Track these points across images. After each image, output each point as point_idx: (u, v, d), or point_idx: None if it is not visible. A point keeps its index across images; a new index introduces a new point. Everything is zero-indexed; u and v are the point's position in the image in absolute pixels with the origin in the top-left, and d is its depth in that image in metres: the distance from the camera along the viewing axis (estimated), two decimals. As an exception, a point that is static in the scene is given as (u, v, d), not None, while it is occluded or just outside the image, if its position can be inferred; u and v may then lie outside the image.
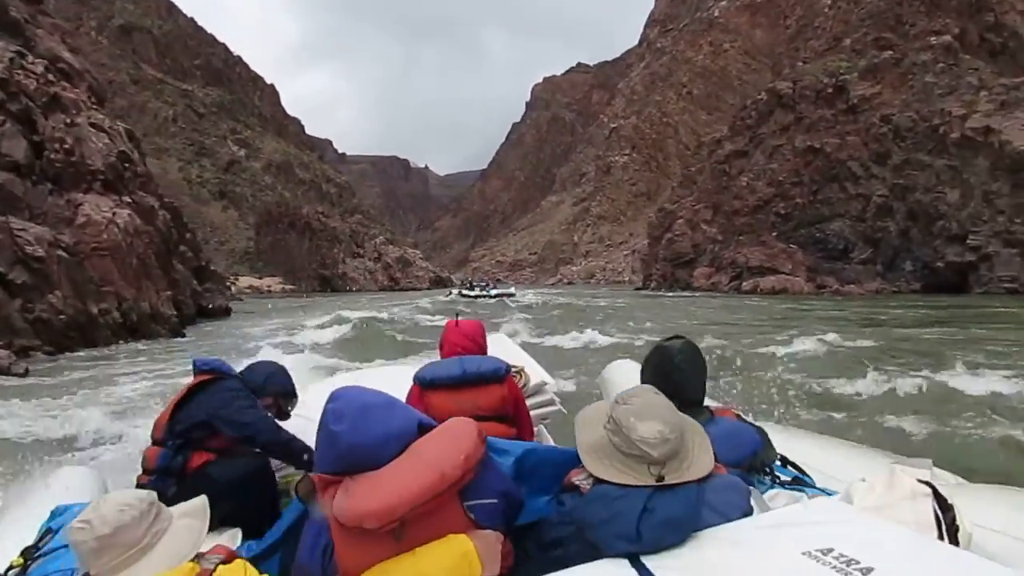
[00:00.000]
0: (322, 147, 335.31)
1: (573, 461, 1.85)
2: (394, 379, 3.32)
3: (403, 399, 2.41)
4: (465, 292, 66.32)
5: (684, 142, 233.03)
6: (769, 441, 2.40)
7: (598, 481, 1.71)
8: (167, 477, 2.79)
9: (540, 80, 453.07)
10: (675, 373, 2.24)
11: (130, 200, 22.47)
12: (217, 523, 1.90)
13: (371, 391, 1.74)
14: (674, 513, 1.59)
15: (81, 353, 17.66)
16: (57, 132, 21.06)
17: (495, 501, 1.73)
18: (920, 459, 1.99)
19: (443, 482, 1.57)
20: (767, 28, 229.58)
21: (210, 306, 29.42)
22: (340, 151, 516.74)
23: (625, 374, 4.69)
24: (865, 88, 59.03)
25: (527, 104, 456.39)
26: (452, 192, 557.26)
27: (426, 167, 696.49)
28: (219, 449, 2.91)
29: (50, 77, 22.54)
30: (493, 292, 64.94)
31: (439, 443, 1.66)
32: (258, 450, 3.00)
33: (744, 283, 58.26)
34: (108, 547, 1.48)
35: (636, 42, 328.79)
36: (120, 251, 20.44)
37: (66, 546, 2.14)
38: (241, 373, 3.16)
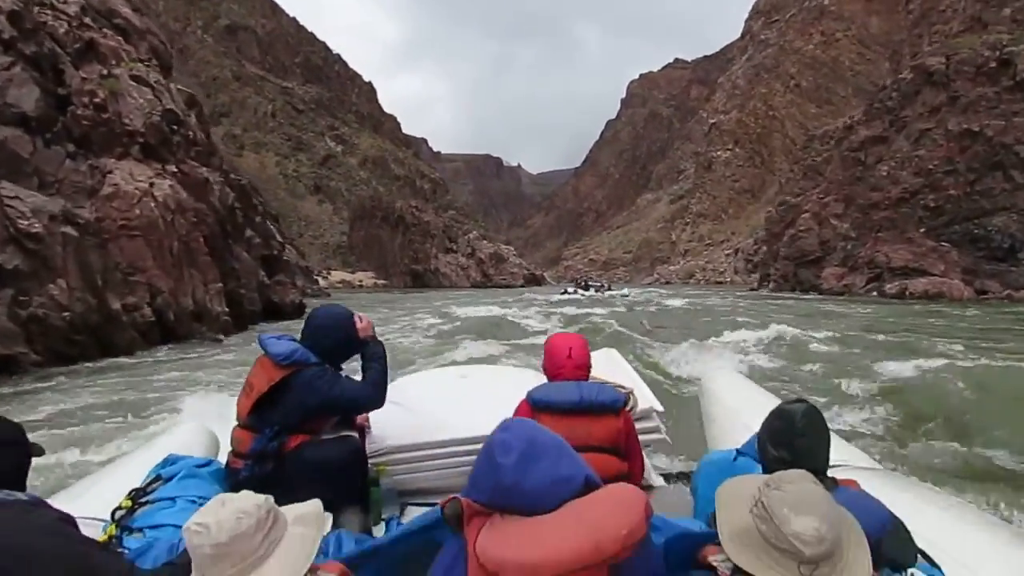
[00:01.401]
0: (417, 145, 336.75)
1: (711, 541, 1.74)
2: (501, 380, 3.63)
3: (510, 400, 2.73)
4: (579, 291, 63.73)
5: (791, 136, 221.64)
6: (907, 535, 2.05)
7: (738, 570, 1.57)
8: (263, 462, 2.77)
9: (636, 77, 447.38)
10: (798, 440, 2.10)
11: (176, 170, 18.27)
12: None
13: (542, 429, 1.66)
14: None
15: (91, 365, 13.35)
16: (88, 84, 17.00)
17: None
18: None
19: (598, 554, 1.47)
20: (884, 15, 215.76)
21: (279, 301, 25.11)
22: (435, 149, 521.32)
23: (728, 385, 4.42)
24: (1038, 60, 50.42)
25: (622, 101, 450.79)
26: (544, 190, 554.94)
27: (519, 165, 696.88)
28: (314, 430, 2.94)
29: (87, 21, 18.57)
30: (607, 292, 62.71)
31: (604, 509, 1.54)
32: (348, 432, 3.07)
33: (887, 285, 50.64)
34: (224, 555, 1.45)
35: (736, 36, 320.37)
36: (156, 231, 16.22)
37: (172, 499, 2.31)
38: (305, 335, 3.03)
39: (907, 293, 47.99)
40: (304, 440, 2.87)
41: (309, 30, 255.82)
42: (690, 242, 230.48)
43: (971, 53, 54.76)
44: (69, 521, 1.81)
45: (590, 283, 69.83)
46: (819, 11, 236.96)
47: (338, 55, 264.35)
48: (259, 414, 2.85)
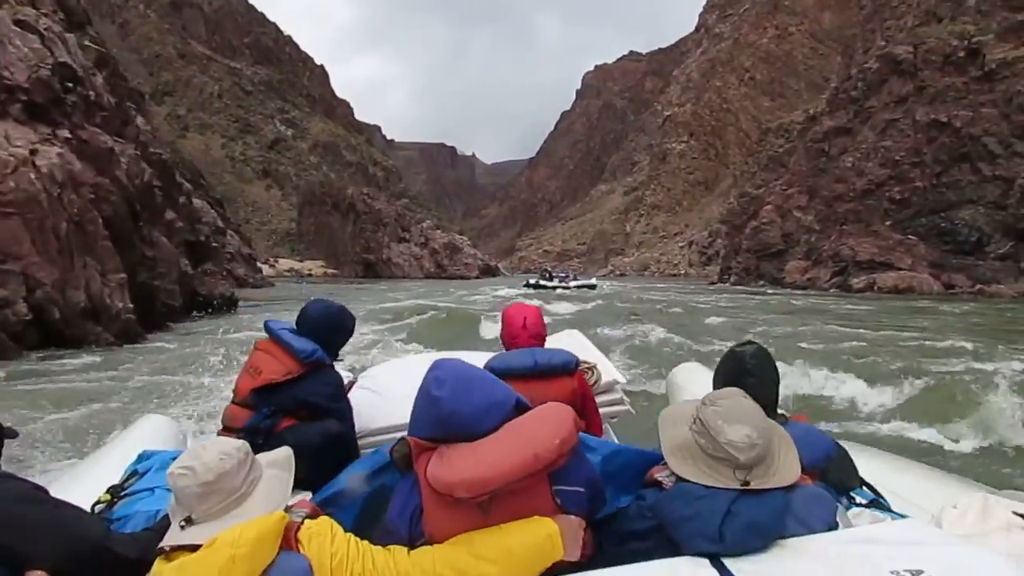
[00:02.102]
0: (370, 132, 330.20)
1: (657, 464, 1.89)
2: (471, 362, 3.22)
3: None
4: (542, 283, 60.37)
5: (745, 129, 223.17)
6: (852, 464, 2.46)
7: (681, 480, 1.72)
8: (255, 436, 2.82)
9: (591, 68, 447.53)
10: (747, 378, 2.20)
11: (71, 136, 15.06)
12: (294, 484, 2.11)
13: (471, 365, 1.82)
14: (759, 518, 1.59)
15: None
16: (-48, 28, 13.76)
17: (582, 490, 1.76)
18: (1017, 491, 1.96)
19: (536, 463, 1.61)
20: (836, 10, 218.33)
21: (207, 294, 21.91)
22: (389, 137, 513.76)
23: (693, 377, 4.58)
24: (1006, 50, 49.37)
25: (577, 92, 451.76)
26: (499, 180, 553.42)
27: (473, 155, 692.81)
28: (302, 416, 3.03)
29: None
30: (573, 283, 59.63)
31: (536, 424, 1.70)
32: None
33: (854, 280, 49.30)
34: (211, 493, 1.56)
35: (691, 29, 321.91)
36: (37, 208, 13.07)
37: (150, 489, 2.39)
38: (308, 328, 3.12)
39: (875, 287, 46.67)
40: (292, 423, 2.97)
41: (259, 10, 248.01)
42: (644, 234, 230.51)
43: (939, 42, 53.72)
44: (42, 490, 1.88)
45: (554, 274, 66.88)
46: (773, 5, 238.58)
47: (289, 36, 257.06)
48: (260, 394, 2.95)
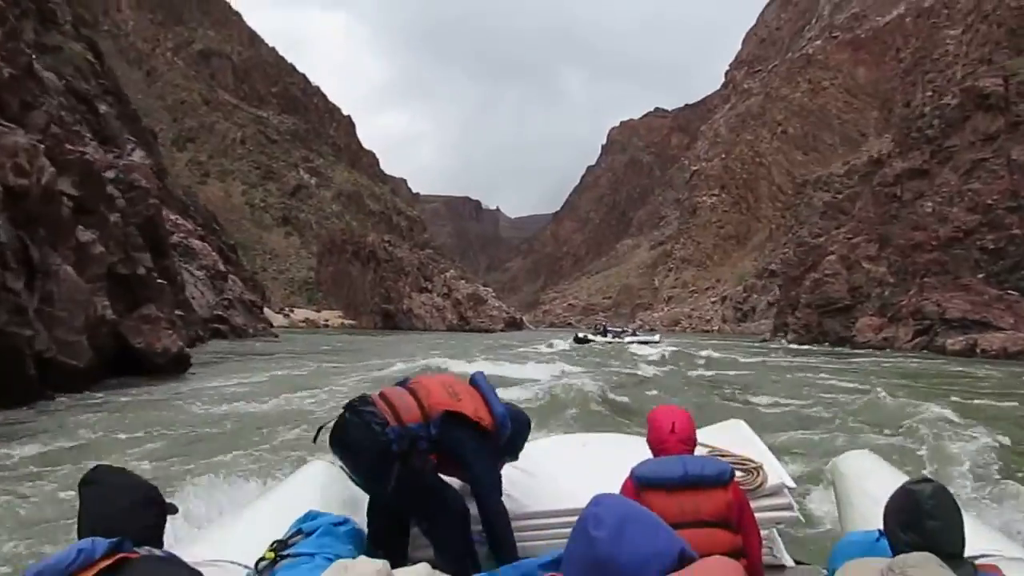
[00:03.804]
0: (396, 184, 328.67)
1: None
2: (619, 449, 3.68)
3: (625, 469, 2.70)
4: (591, 337, 56.50)
5: (778, 183, 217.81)
6: None
7: None
8: (402, 442, 2.84)
9: (617, 124, 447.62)
10: (927, 521, 1.95)
11: None
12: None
13: (634, 503, 1.71)
14: None
15: None
16: None
17: None
18: None
19: None
20: (871, 65, 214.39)
21: (144, 348, 15.64)
22: (414, 191, 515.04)
23: (864, 470, 4.05)
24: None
25: (603, 147, 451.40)
26: (523, 234, 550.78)
27: (497, 208, 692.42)
28: (455, 464, 3.08)
29: None
30: (628, 339, 55.46)
31: None
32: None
33: (949, 341, 42.19)
34: None
35: (716, 87, 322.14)
36: None
37: (311, 555, 2.48)
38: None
39: (979, 351, 39.48)
40: (444, 463, 3.00)
41: (289, 61, 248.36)
42: (673, 288, 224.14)
43: (1034, 74, 47.54)
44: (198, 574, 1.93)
45: (608, 328, 62.87)
46: (805, 60, 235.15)
47: (317, 87, 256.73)
48: (448, 415, 2.95)
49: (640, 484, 2.61)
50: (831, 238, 60.75)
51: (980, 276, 45.44)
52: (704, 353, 37.99)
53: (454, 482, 3.12)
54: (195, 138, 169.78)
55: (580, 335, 58.78)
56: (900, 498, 2.05)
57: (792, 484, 3.48)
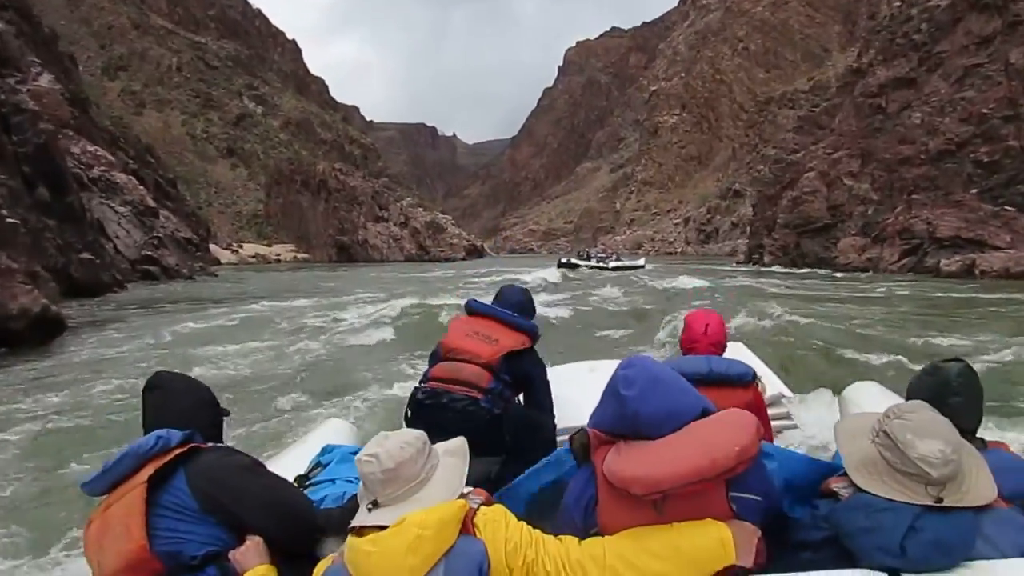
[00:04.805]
0: (348, 113, 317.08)
1: (833, 475, 1.88)
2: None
3: None
4: (576, 262, 57.93)
5: (739, 101, 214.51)
6: None
7: (860, 491, 1.69)
8: (497, 402, 3.06)
9: (573, 44, 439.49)
10: (952, 397, 2.03)
11: None
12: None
13: (663, 365, 1.84)
14: (946, 536, 1.55)
15: None
16: None
17: (758, 498, 1.75)
18: None
19: (713, 468, 1.60)
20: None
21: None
22: (368, 119, 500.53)
23: (873, 399, 4.08)
24: None
25: (559, 69, 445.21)
26: (480, 160, 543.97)
27: (454, 135, 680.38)
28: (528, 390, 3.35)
29: None
30: (613, 263, 56.05)
31: (717, 429, 1.70)
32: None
33: (943, 261, 39.45)
34: (393, 479, 1.67)
35: (674, 3, 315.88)
36: None
37: (332, 480, 2.59)
38: (513, 305, 3.42)
39: (978, 271, 36.82)
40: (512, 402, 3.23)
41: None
42: (635, 211, 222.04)
43: (1032, -32, 43.71)
44: (260, 465, 2.12)
45: (592, 253, 63.79)
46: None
47: (258, 10, 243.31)
48: (504, 361, 3.13)
49: None
50: (809, 154, 57.27)
51: (973, 192, 42.50)
52: (688, 281, 34.58)
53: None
54: (127, 66, 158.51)
55: (564, 260, 59.50)
56: (928, 374, 2.13)
57: (789, 394, 3.64)
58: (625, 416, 1.68)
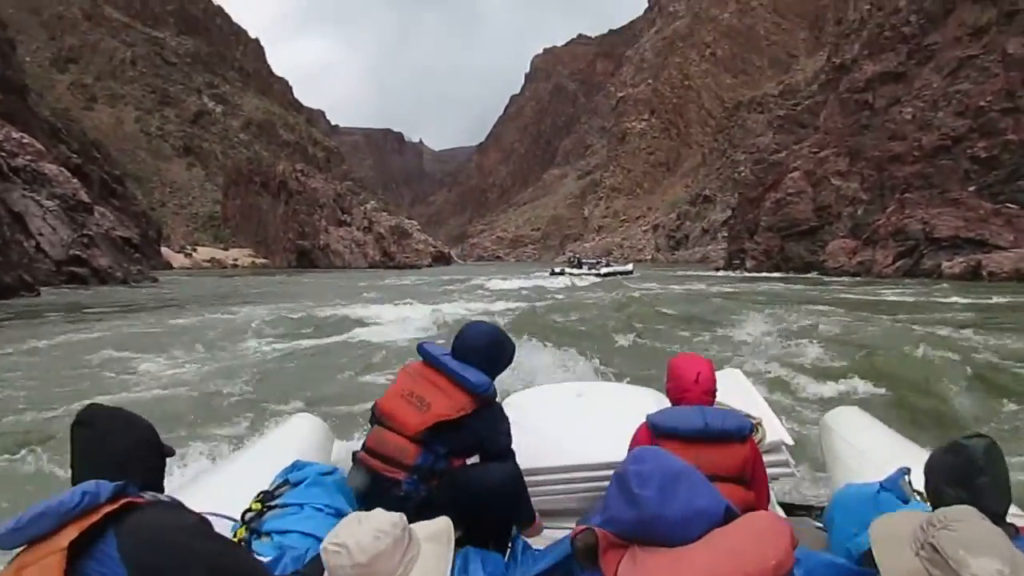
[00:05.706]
0: (313, 116, 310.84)
1: None
2: (619, 400, 3.68)
3: (629, 423, 2.71)
4: (568, 270, 59.99)
5: (707, 107, 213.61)
6: None
7: None
8: (429, 479, 2.69)
9: (540, 51, 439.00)
10: (980, 478, 1.88)
11: None
12: (464, 529, 2.30)
13: (675, 458, 1.68)
14: None
15: None
16: None
17: None
18: None
19: None
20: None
21: None
22: (333, 123, 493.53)
23: (854, 426, 3.97)
24: None
25: (526, 76, 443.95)
26: (447, 167, 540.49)
27: (420, 141, 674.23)
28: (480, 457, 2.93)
29: None
30: (605, 270, 57.86)
31: (747, 539, 1.52)
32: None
33: (945, 263, 37.02)
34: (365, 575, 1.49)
35: (640, 12, 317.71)
36: None
37: (300, 505, 2.42)
38: (468, 352, 2.84)
39: (985, 273, 34.31)
40: (463, 464, 2.79)
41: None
42: (604, 218, 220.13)
43: (1030, -44, 41.63)
44: (207, 523, 1.85)
45: (583, 260, 65.92)
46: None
47: (220, 7, 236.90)
48: (433, 432, 2.70)
49: (657, 433, 2.57)
50: (793, 153, 54.85)
51: (971, 189, 40.30)
52: (673, 286, 31.49)
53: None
54: (77, 58, 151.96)
55: (556, 269, 62.62)
56: (950, 453, 1.95)
57: (790, 441, 3.49)
58: (643, 521, 1.50)
